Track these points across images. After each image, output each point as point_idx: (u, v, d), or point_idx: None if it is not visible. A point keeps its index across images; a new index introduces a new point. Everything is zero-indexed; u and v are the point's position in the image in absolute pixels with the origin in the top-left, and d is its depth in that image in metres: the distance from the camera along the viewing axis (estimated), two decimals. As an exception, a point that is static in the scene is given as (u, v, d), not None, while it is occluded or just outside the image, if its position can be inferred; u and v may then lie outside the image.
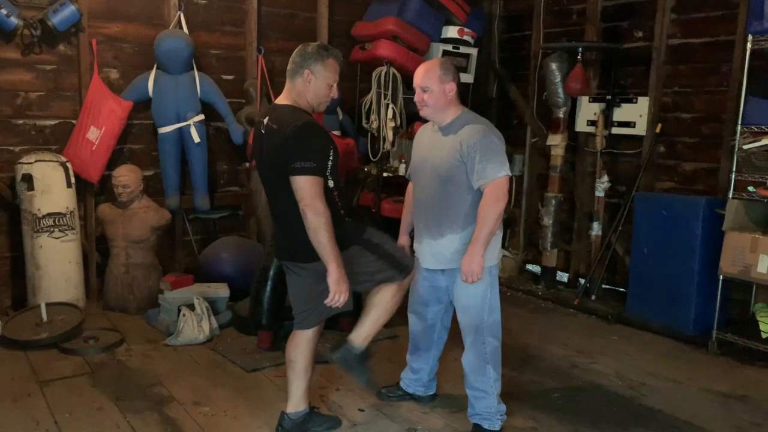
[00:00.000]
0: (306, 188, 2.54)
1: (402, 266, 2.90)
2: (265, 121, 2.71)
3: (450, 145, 2.88)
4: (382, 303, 2.90)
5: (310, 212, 2.53)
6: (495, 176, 2.80)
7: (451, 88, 2.90)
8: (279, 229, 2.89)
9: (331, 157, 2.63)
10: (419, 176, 3.04)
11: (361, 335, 2.91)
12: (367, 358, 2.94)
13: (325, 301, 2.64)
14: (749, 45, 3.93)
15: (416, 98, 2.94)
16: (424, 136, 3.10)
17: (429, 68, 2.91)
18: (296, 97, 2.70)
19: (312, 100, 2.71)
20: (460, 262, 2.87)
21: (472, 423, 3.04)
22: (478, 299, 2.93)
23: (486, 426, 2.99)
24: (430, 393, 3.36)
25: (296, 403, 2.90)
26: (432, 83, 2.87)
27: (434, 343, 3.26)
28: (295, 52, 2.72)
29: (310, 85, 2.67)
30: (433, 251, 2.99)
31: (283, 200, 2.68)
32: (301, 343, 2.85)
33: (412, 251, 3.21)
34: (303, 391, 2.90)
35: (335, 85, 2.74)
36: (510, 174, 2.87)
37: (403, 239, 3.26)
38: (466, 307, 2.97)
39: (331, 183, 2.65)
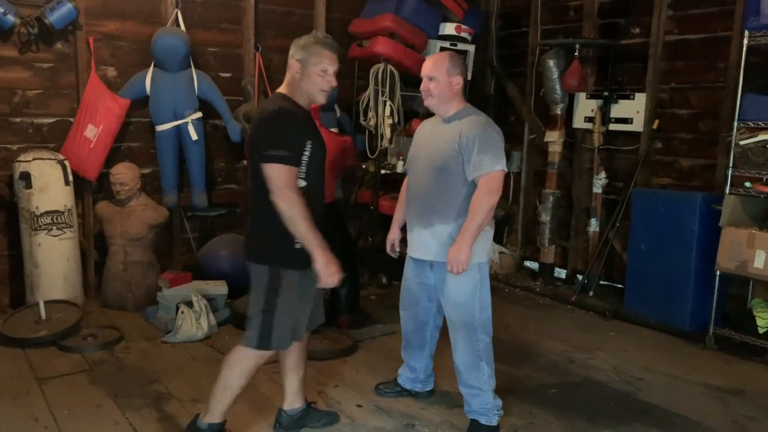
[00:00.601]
0: (277, 177, 2.42)
1: (263, 337, 2.57)
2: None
3: (449, 135, 2.90)
4: (225, 375, 2.65)
5: (281, 202, 2.43)
6: (491, 169, 2.81)
7: (458, 81, 2.93)
8: (249, 227, 2.74)
9: (306, 152, 2.51)
10: (415, 166, 3.06)
11: (213, 411, 2.69)
12: None
13: (318, 285, 2.56)
14: (746, 41, 3.94)
15: (422, 87, 2.97)
16: (424, 129, 3.12)
17: (438, 59, 2.96)
18: (289, 88, 2.61)
19: (307, 90, 2.58)
20: (447, 255, 2.87)
21: (469, 419, 3.05)
22: (468, 296, 2.93)
23: (483, 421, 3.00)
24: (428, 389, 3.38)
25: (292, 401, 2.91)
26: (439, 73, 2.90)
27: (427, 341, 3.26)
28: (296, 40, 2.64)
29: (299, 74, 2.56)
30: (423, 240, 2.99)
31: (252, 192, 2.58)
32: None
33: (402, 248, 3.22)
34: (297, 388, 2.90)
35: (330, 71, 2.58)
36: (506, 170, 2.88)
37: (393, 233, 3.27)
38: (456, 305, 2.97)
39: (301, 183, 2.51)
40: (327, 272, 2.51)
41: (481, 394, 2.99)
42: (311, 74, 2.55)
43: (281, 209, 2.44)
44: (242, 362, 2.64)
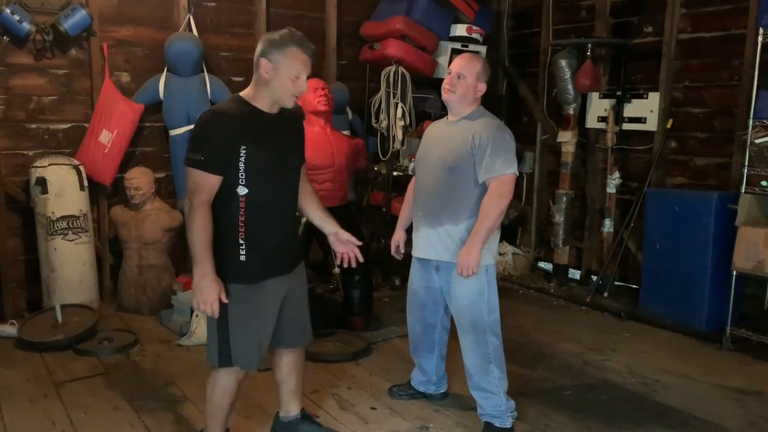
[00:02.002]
0: (187, 180, 2.31)
1: (224, 356, 2.44)
2: None
3: (462, 135, 2.89)
4: (210, 393, 2.56)
5: (185, 207, 2.31)
6: (503, 172, 2.80)
7: (482, 88, 2.96)
8: None
9: (242, 157, 2.31)
10: (424, 166, 3.04)
11: (208, 429, 2.63)
12: None
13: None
14: (760, 38, 3.90)
15: (447, 80, 2.96)
16: (435, 129, 3.12)
17: (473, 59, 2.98)
18: (252, 90, 2.42)
19: (272, 95, 2.39)
20: (453, 256, 2.86)
21: (483, 422, 3.04)
22: (475, 298, 2.92)
23: (497, 424, 2.98)
24: (441, 391, 3.37)
25: (285, 408, 2.84)
26: (469, 73, 2.92)
27: (436, 343, 3.25)
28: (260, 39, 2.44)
29: (268, 75, 2.35)
30: (429, 239, 2.98)
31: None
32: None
33: (407, 248, 3.21)
34: (288, 398, 2.81)
35: (303, 78, 2.39)
36: (517, 173, 2.87)
37: (398, 234, 3.26)
38: (463, 307, 2.95)
39: (241, 190, 2.36)
40: (195, 296, 2.32)
41: (493, 397, 2.98)
42: (283, 78, 2.35)
43: (184, 215, 2.34)
44: (218, 381, 2.54)
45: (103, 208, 4.72)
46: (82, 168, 4.36)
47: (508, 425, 2.98)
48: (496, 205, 2.79)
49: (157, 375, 3.59)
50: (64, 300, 4.21)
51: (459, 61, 2.97)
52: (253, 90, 2.43)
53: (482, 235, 2.79)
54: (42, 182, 4.21)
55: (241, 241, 2.40)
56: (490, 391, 2.97)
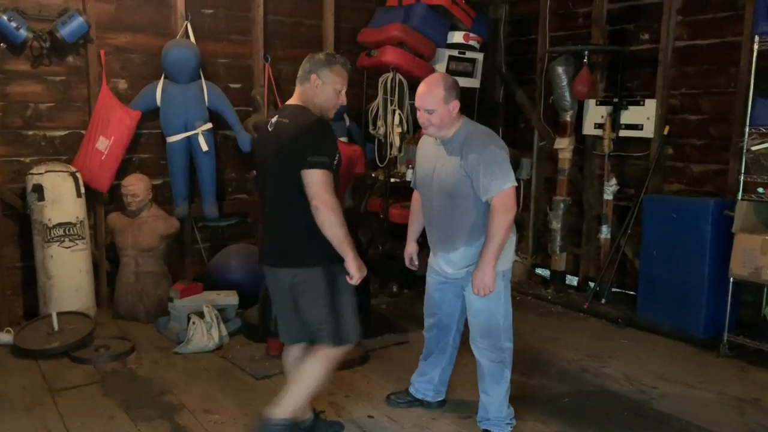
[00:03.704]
0: (320, 182, 2.53)
1: (342, 335, 2.73)
2: (274, 119, 2.72)
3: (453, 161, 2.86)
4: (311, 373, 2.74)
5: (323, 207, 2.54)
6: (501, 189, 2.78)
7: (455, 106, 2.85)
8: (275, 232, 2.77)
9: (335, 161, 2.64)
10: (426, 190, 3.03)
11: (285, 408, 2.73)
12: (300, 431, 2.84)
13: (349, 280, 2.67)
14: (756, 46, 3.92)
15: (420, 119, 2.89)
16: (426, 147, 3.07)
17: (432, 88, 2.84)
18: (305, 102, 2.72)
19: (321, 105, 2.71)
20: (471, 272, 2.87)
21: (481, 429, 3.03)
22: (492, 302, 2.92)
23: (496, 431, 2.98)
24: (439, 399, 3.36)
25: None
26: (436, 105, 2.82)
27: (449, 345, 3.25)
28: (304, 59, 2.76)
29: (318, 89, 2.69)
30: (448, 262, 3.00)
31: (285, 199, 2.66)
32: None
33: (421, 260, 3.23)
34: (302, 401, 2.83)
35: (343, 91, 2.76)
36: (515, 184, 2.84)
37: (410, 247, 3.28)
38: (480, 311, 2.96)
39: None
40: (358, 273, 2.65)
41: (498, 402, 2.99)
42: (328, 91, 2.70)
43: (322, 213, 2.54)
44: (322, 358, 2.73)
45: (100, 215, 4.71)
46: (78, 175, 4.35)
47: (506, 433, 2.98)
48: (502, 220, 2.78)
49: (154, 383, 3.58)
50: (61, 307, 4.19)
51: (421, 96, 2.85)
52: (303, 102, 2.72)
53: (493, 253, 2.79)
54: (39, 189, 4.20)
55: None
56: (499, 395, 2.99)
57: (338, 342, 2.72)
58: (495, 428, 2.99)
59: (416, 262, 3.28)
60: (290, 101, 2.78)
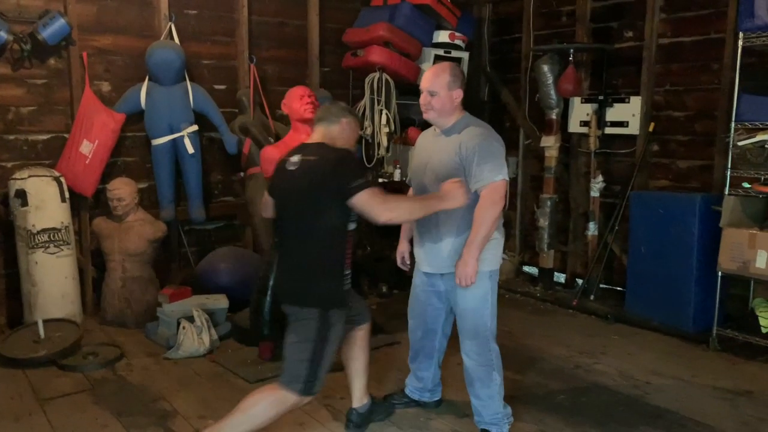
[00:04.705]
0: (367, 200, 2.56)
1: (312, 385, 2.63)
2: (296, 157, 2.71)
3: (450, 147, 2.87)
4: (263, 413, 2.60)
5: (385, 216, 2.59)
6: (492, 179, 2.79)
7: (458, 94, 2.90)
8: (288, 269, 2.76)
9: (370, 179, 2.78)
10: (419, 179, 3.03)
11: None
12: None
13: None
14: (740, 42, 3.96)
15: (422, 100, 2.93)
16: (425, 140, 3.09)
17: (439, 72, 2.90)
18: (329, 140, 2.79)
19: (343, 145, 2.80)
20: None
21: (479, 429, 3.02)
22: (479, 302, 2.91)
23: (494, 431, 2.98)
24: (436, 399, 3.35)
25: (360, 398, 3.05)
26: (440, 88, 2.86)
27: (435, 349, 3.24)
28: (329, 105, 2.93)
29: (345, 133, 2.82)
30: (433, 254, 2.98)
31: (302, 237, 2.66)
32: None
33: (412, 258, 3.22)
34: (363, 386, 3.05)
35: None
36: (507, 179, 2.86)
37: (403, 245, 3.27)
38: (466, 311, 2.94)
39: (352, 225, 2.69)
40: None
41: (492, 404, 2.97)
42: (352, 135, 2.88)
43: (390, 221, 2.64)
44: (279, 402, 2.62)
45: (85, 219, 4.63)
46: (62, 179, 4.27)
47: (505, 432, 2.98)
48: (489, 212, 2.78)
49: (145, 389, 3.52)
50: (47, 314, 4.11)
51: (427, 77, 2.91)
52: (326, 141, 2.78)
53: (478, 244, 2.78)
54: (22, 194, 4.11)
55: (347, 272, 2.70)
56: (490, 398, 2.96)
57: (305, 391, 2.62)
58: (493, 428, 2.98)
59: (408, 261, 3.28)
60: (310, 140, 2.82)
